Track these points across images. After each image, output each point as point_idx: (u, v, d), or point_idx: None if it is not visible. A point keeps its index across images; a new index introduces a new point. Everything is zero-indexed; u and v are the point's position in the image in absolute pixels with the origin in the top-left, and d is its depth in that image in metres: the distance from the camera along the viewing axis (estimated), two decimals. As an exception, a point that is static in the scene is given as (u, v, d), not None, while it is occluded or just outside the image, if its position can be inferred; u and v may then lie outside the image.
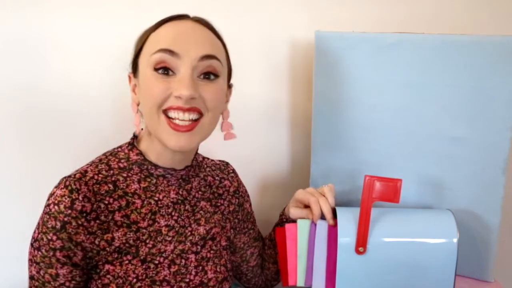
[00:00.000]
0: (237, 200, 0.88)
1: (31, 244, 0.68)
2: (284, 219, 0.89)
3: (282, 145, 1.13)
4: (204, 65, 0.67)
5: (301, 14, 1.03)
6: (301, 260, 0.82)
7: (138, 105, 0.72)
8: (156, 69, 0.66)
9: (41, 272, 0.67)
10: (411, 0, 1.04)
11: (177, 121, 0.66)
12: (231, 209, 0.86)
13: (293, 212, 0.82)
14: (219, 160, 0.91)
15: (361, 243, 0.77)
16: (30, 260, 0.68)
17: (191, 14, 0.73)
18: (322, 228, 0.79)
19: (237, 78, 1.07)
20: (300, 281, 0.83)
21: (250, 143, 1.12)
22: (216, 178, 0.86)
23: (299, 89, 1.09)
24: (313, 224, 0.80)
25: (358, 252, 0.78)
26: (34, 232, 0.68)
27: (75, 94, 1.00)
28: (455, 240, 0.78)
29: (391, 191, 0.75)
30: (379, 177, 0.76)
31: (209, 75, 0.68)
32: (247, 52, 1.05)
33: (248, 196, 0.93)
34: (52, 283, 0.67)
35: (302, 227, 0.81)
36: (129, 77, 0.74)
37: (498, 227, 0.90)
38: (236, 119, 1.09)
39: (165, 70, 0.66)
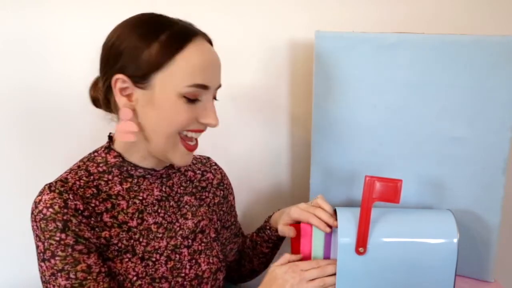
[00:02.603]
0: (221, 192, 0.89)
1: (42, 261, 0.64)
2: (268, 227, 0.90)
3: (282, 145, 1.13)
4: (215, 93, 0.73)
5: (301, 14, 1.03)
6: None
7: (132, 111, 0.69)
8: (184, 97, 0.67)
9: (71, 275, 0.64)
10: (411, 0, 1.04)
11: (189, 142, 0.72)
12: (216, 201, 0.87)
13: (281, 229, 0.83)
14: (199, 155, 0.91)
15: (361, 244, 0.77)
16: (51, 275, 0.64)
17: (150, 9, 0.72)
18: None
19: (238, 78, 1.07)
20: None
21: (249, 143, 1.12)
22: (198, 172, 0.86)
23: (299, 89, 1.09)
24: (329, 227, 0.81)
25: (358, 252, 0.78)
26: (38, 247, 0.65)
27: (75, 94, 1.00)
28: (455, 240, 0.78)
29: (391, 192, 0.75)
30: (379, 177, 0.76)
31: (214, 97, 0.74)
32: (247, 52, 1.05)
33: (232, 188, 0.93)
34: (89, 277, 0.64)
35: (318, 231, 0.81)
36: (116, 80, 0.67)
37: (498, 227, 0.90)
38: (236, 119, 1.09)
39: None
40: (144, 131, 0.70)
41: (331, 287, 0.74)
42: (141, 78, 0.66)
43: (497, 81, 0.83)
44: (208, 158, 0.92)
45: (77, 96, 1.00)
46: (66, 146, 1.02)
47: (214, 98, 0.73)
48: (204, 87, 0.68)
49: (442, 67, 0.85)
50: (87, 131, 1.00)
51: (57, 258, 0.63)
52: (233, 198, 0.94)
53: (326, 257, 0.82)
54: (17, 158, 1.03)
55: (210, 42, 0.73)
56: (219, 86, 0.73)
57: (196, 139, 0.74)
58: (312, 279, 0.72)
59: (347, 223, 0.79)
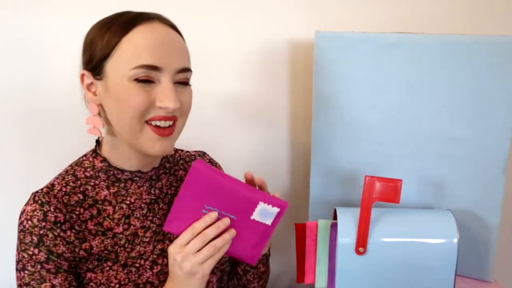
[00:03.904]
0: None
1: (16, 269, 0.67)
2: None
3: (282, 145, 1.13)
4: (180, 77, 0.68)
5: (301, 14, 1.03)
6: (321, 262, 0.83)
7: (98, 105, 0.69)
8: (135, 80, 0.64)
9: None
10: (411, 0, 1.04)
11: (159, 126, 0.67)
12: None
13: None
14: (195, 151, 0.89)
15: (361, 243, 0.77)
16: (18, 286, 0.66)
17: (149, 10, 0.69)
18: None
19: (237, 78, 1.07)
20: (321, 283, 0.84)
21: (249, 143, 1.12)
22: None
23: (299, 89, 1.09)
24: (334, 226, 0.80)
25: (358, 252, 0.78)
26: (16, 256, 0.67)
27: (75, 94, 1.00)
28: (455, 240, 0.78)
29: (391, 191, 0.75)
30: (379, 177, 0.76)
31: (183, 82, 0.69)
32: (247, 52, 1.05)
33: None
34: None
35: (323, 228, 0.81)
36: (82, 76, 0.68)
37: (498, 227, 0.90)
38: (236, 119, 1.09)
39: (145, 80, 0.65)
40: (112, 125, 0.68)
41: (225, 246, 0.67)
42: (96, 69, 0.66)
43: (497, 81, 0.83)
44: (204, 153, 0.90)
45: (77, 96, 1.00)
46: (66, 146, 1.02)
47: (185, 83, 0.69)
48: (154, 68, 0.64)
49: (442, 67, 0.86)
50: (87, 131, 1.00)
51: (26, 271, 0.65)
52: None
53: (332, 256, 0.82)
54: (17, 158, 1.03)
55: (172, 27, 0.69)
56: (184, 69, 0.68)
57: (170, 126, 0.68)
58: (199, 250, 0.65)
59: (347, 223, 0.79)
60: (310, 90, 0.96)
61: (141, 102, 0.64)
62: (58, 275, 0.66)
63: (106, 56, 0.65)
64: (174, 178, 0.80)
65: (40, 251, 0.64)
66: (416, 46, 0.86)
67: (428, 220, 0.83)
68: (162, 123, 0.67)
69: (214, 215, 0.67)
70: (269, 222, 0.68)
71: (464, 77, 0.85)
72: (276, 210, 0.67)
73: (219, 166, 0.91)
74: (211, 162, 0.89)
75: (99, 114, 0.70)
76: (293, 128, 1.12)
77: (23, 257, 0.65)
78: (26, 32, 0.97)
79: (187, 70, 0.69)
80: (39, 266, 0.65)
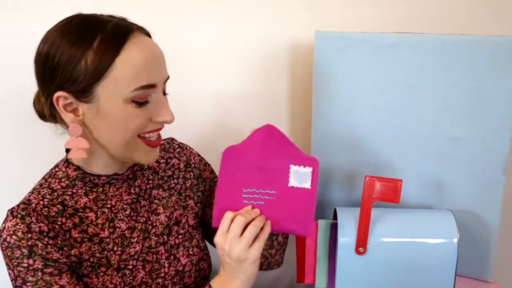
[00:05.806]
0: (191, 173, 0.83)
1: (16, 287, 0.64)
2: None
3: (282, 145, 1.13)
4: (164, 86, 0.69)
5: (301, 14, 1.03)
6: (321, 262, 0.83)
7: (82, 125, 0.65)
8: (133, 101, 0.63)
9: None
10: (411, 0, 1.04)
11: (151, 139, 0.68)
12: (188, 184, 0.82)
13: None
14: (164, 139, 0.85)
15: (361, 243, 0.77)
16: None
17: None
18: None
19: (238, 78, 1.07)
20: (321, 283, 0.84)
21: (250, 143, 1.12)
22: (161, 161, 0.81)
23: (299, 89, 1.09)
24: (334, 226, 0.80)
25: (358, 252, 0.78)
26: (9, 275, 0.64)
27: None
28: (455, 240, 0.78)
29: (391, 192, 0.75)
30: (379, 177, 0.76)
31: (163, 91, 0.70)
32: (247, 52, 1.05)
33: (205, 164, 0.87)
34: None
35: (323, 228, 0.81)
36: (58, 98, 0.62)
37: (498, 227, 0.90)
38: (235, 119, 1.09)
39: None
40: (99, 142, 0.67)
41: (267, 226, 0.67)
42: (82, 92, 0.62)
43: (497, 81, 0.83)
44: (172, 139, 0.86)
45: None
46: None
47: (164, 93, 0.69)
48: (152, 86, 0.64)
49: (442, 67, 0.86)
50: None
51: (28, 284, 0.63)
52: (211, 172, 0.87)
53: (332, 256, 0.82)
54: (17, 158, 1.03)
55: (148, 35, 0.67)
56: (167, 78, 0.68)
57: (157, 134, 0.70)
58: (241, 234, 0.65)
59: (347, 223, 0.79)
60: (310, 90, 0.96)
61: (140, 123, 0.65)
62: (63, 275, 0.64)
63: (97, 79, 0.61)
64: (149, 172, 0.78)
65: (35, 260, 0.62)
66: (416, 46, 0.86)
67: (428, 220, 0.83)
68: (153, 135, 0.68)
69: (248, 208, 0.68)
70: (307, 185, 0.68)
71: (464, 77, 0.85)
72: (309, 170, 0.68)
73: (190, 152, 0.86)
74: (180, 147, 0.85)
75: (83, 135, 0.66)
76: (293, 128, 1.12)
77: (20, 271, 0.63)
78: (26, 32, 0.97)
79: (168, 78, 0.69)
80: (40, 273, 0.63)
